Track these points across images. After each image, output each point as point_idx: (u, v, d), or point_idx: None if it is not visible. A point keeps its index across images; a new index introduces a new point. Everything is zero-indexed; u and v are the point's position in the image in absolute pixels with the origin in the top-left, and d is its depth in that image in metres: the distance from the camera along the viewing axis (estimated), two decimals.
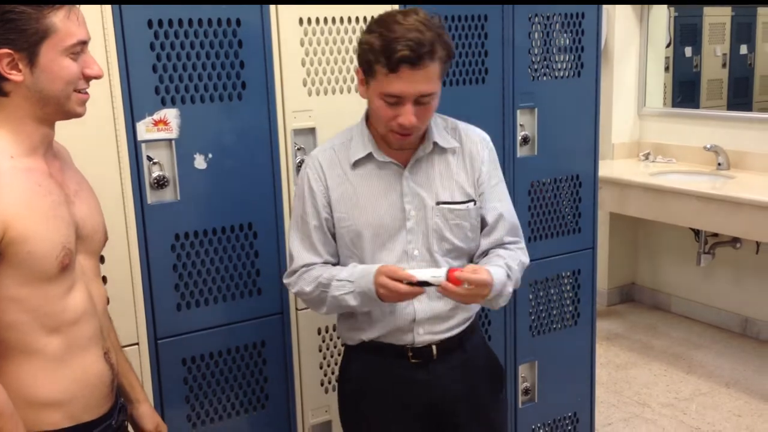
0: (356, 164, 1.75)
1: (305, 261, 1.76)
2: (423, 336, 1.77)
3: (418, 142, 1.75)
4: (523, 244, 1.84)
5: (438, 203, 1.74)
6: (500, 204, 1.80)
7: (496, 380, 1.94)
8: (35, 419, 1.35)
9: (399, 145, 1.71)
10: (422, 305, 1.75)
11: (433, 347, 1.79)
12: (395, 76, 1.57)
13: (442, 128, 1.78)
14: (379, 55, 1.57)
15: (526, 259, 1.83)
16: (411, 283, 1.59)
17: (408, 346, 1.78)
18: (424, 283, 1.59)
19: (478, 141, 1.81)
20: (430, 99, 1.63)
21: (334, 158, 1.76)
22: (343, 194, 1.74)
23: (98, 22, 1.82)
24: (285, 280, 1.82)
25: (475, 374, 1.86)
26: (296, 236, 1.79)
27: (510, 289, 1.72)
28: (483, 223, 1.80)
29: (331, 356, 2.30)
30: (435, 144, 1.75)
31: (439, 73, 1.62)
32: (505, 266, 1.71)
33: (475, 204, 1.77)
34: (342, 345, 1.93)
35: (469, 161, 1.78)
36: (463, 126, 1.83)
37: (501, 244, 1.80)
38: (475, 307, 1.87)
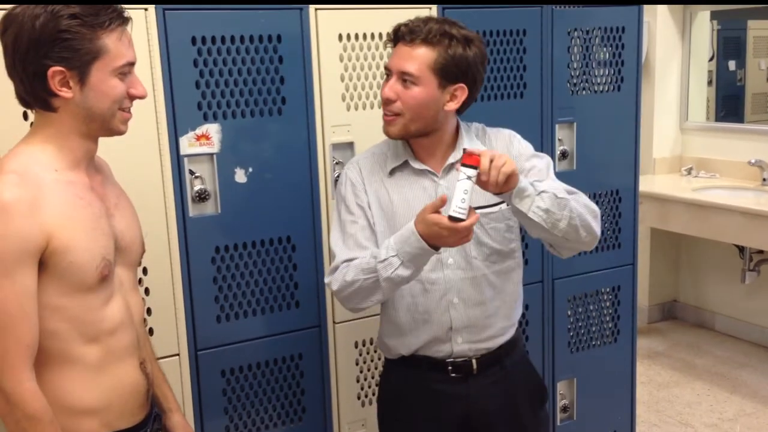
0: (393, 172, 1.77)
1: (347, 256, 1.71)
2: (461, 345, 1.77)
3: (449, 148, 1.76)
4: (581, 194, 1.73)
5: (474, 208, 1.73)
6: (546, 182, 1.70)
7: (537, 398, 1.91)
8: (72, 426, 1.37)
9: (385, 129, 1.73)
10: (458, 313, 1.75)
11: (473, 361, 1.78)
12: (393, 50, 1.72)
13: (473, 135, 1.80)
14: (390, 35, 1.72)
15: (585, 198, 1.71)
16: (456, 219, 1.51)
17: (447, 360, 1.78)
18: (459, 216, 1.51)
19: (505, 140, 1.81)
20: (412, 81, 1.65)
21: (374, 165, 1.79)
22: (379, 201, 1.76)
23: (144, 39, 1.87)
24: (326, 279, 1.77)
25: (515, 391, 1.84)
26: (339, 236, 1.76)
27: (539, 189, 1.60)
28: None
29: (368, 370, 2.31)
30: (465, 150, 1.75)
31: (430, 63, 1.64)
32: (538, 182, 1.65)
33: (508, 204, 1.72)
34: (381, 359, 1.94)
35: None
36: (491, 130, 1.84)
37: None
38: (515, 317, 1.85)
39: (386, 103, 1.69)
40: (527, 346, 2.56)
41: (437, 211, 1.55)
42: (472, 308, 1.76)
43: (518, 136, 1.84)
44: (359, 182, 1.78)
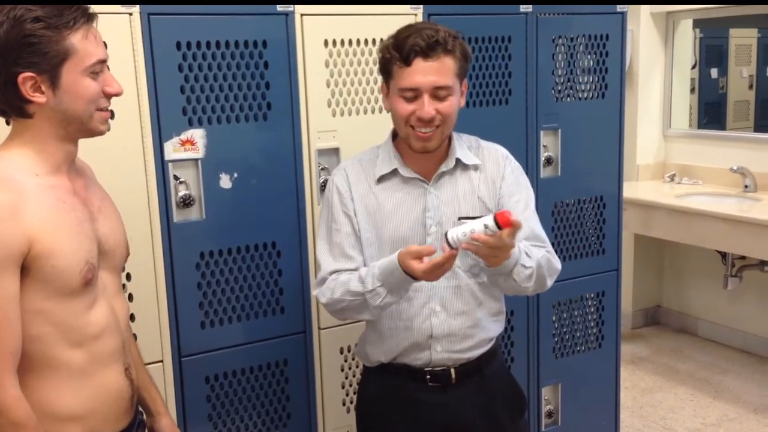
0: (381, 180, 1.76)
1: (333, 268, 1.74)
2: (441, 354, 1.77)
3: (441, 157, 1.76)
4: (550, 248, 1.79)
5: (459, 218, 1.74)
6: (520, 216, 1.73)
7: (516, 406, 1.91)
8: None
9: (422, 146, 1.69)
10: (439, 320, 1.75)
11: (452, 371, 1.78)
12: (410, 69, 1.62)
13: (465, 146, 1.80)
14: (393, 51, 1.64)
15: (554, 260, 1.77)
16: (447, 242, 1.55)
17: (426, 369, 1.78)
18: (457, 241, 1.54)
19: (500, 158, 1.81)
20: (447, 94, 1.65)
21: (361, 172, 1.78)
22: (366, 207, 1.75)
23: (128, 44, 1.86)
24: (314, 291, 1.79)
25: (494, 400, 1.84)
26: (325, 246, 1.77)
27: (526, 266, 1.66)
28: None
29: (353, 376, 2.30)
30: (458, 160, 1.76)
31: (455, 70, 1.65)
32: (522, 249, 1.68)
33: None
34: (360, 366, 1.93)
35: (491, 178, 1.79)
36: (486, 144, 1.84)
37: None
38: (495, 331, 1.85)
39: (428, 122, 1.65)
40: (513, 351, 2.56)
41: (420, 257, 1.56)
42: (453, 317, 1.76)
43: (512, 158, 1.84)
44: (345, 189, 1.77)
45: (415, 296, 1.74)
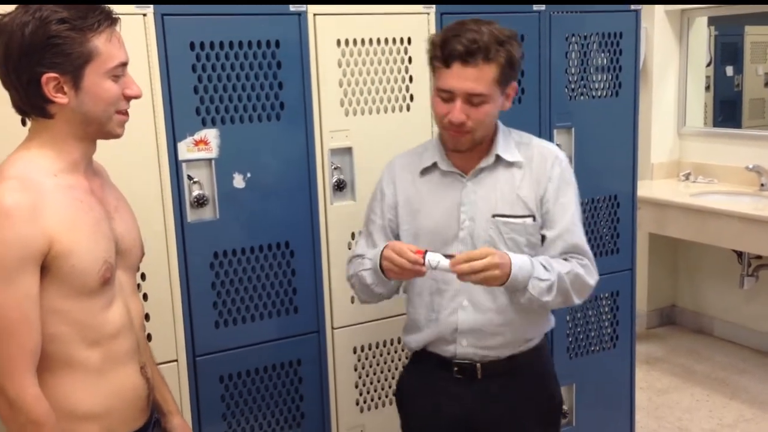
0: (424, 172, 1.79)
1: (360, 252, 1.83)
2: (466, 348, 1.77)
3: (482, 152, 1.76)
4: (587, 262, 1.76)
5: (494, 215, 1.74)
6: (561, 224, 1.74)
7: (549, 419, 1.88)
8: (73, 431, 1.37)
9: (453, 145, 1.72)
10: (466, 315, 1.76)
11: (478, 366, 1.78)
12: (448, 71, 1.63)
13: (512, 143, 1.78)
14: (437, 50, 1.65)
15: (585, 274, 1.73)
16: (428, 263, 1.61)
17: (454, 360, 1.79)
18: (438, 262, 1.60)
19: (550, 158, 1.78)
20: (482, 101, 1.64)
21: (409, 163, 1.82)
22: (408, 198, 1.80)
23: (142, 44, 1.87)
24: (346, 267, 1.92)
25: (523, 406, 1.81)
26: (364, 229, 1.88)
27: (542, 278, 1.66)
28: (543, 240, 1.77)
29: (367, 375, 2.30)
30: (498, 157, 1.75)
31: (494, 77, 1.63)
32: (539, 262, 1.67)
33: (534, 220, 1.74)
34: (379, 365, 1.94)
35: (536, 178, 1.75)
36: (538, 142, 1.82)
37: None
38: (534, 332, 1.82)
39: (458, 126, 1.66)
40: None
41: (400, 252, 1.62)
42: (481, 313, 1.76)
43: (562, 159, 1.79)
44: (389, 182, 1.83)
45: (446, 289, 1.76)
